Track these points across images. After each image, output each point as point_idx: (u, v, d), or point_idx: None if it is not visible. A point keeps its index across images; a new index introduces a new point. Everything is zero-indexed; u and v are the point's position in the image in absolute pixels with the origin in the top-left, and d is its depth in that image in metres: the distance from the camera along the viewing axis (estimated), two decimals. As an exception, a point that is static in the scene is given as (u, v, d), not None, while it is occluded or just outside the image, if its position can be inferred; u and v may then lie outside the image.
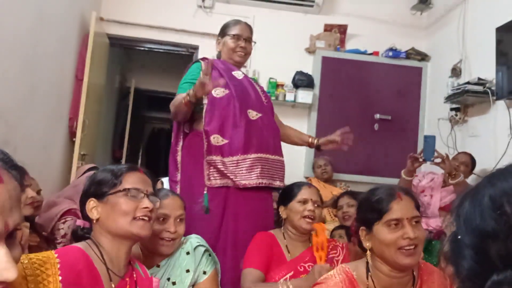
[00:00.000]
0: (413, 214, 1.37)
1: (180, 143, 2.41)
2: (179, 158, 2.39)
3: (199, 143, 2.26)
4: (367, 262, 1.42)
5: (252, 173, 2.20)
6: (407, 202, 1.38)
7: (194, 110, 2.31)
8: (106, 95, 4.89)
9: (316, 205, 2.00)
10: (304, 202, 1.99)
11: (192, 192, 2.21)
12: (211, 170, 2.20)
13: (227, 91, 2.29)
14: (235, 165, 2.19)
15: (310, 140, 2.56)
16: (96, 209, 1.32)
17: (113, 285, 1.26)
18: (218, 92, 2.29)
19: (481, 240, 0.58)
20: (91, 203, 1.33)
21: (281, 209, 2.05)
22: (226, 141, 2.21)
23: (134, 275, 1.35)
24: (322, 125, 4.26)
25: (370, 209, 1.40)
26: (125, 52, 6.08)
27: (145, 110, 7.52)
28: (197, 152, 2.26)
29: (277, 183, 2.25)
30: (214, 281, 1.76)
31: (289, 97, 4.26)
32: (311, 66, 4.39)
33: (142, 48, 4.76)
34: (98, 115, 4.35)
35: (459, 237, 0.62)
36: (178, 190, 2.27)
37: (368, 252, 1.40)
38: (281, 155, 2.35)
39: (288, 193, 2.06)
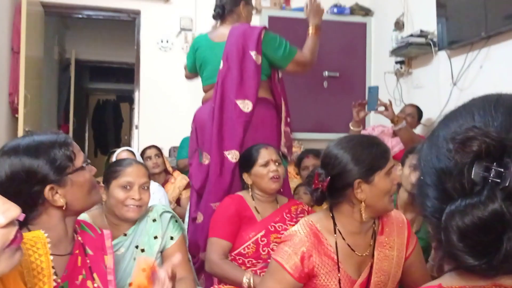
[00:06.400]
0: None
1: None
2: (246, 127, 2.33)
3: (269, 112, 2.39)
4: (332, 215, 1.43)
5: None
6: (389, 149, 1.43)
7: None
8: (46, 67, 4.65)
9: (277, 163, 2.02)
10: (266, 164, 2.00)
11: None
12: (284, 141, 2.40)
13: None
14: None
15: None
16: None
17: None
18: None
19: (438, 178, 0.61)
20: None
21: (245, 176, 2.05)
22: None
23: (81, 241, 1.32)
24: (273, 85, 4.26)
25: (376, 157, 1.35)
26: (62, 21, 5.77)
27: (88, 81, 7.24)
28: (269, 120, 2.39)
29: None
30: (182, 246, 1.78)
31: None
32: (257, 27, 4.34)
33: (80, 16, 4.53)
34: (39, 89, 4.14)
35: (421, 177, 0.66)
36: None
37: (363, 204, 1.35)
38: None
39: (248, 159, 2.06)
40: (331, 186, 1.37)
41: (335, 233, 1.41)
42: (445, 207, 0.58)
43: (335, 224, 1.42)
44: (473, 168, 0.55)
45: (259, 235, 1.92)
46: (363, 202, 1.35)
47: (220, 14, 2.53)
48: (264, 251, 1.91)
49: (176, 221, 1.80)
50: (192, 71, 2.72)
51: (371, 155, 1.35)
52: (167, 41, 4.23)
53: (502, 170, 0.53)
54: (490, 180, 0.53)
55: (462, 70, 3.19)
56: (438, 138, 0.64)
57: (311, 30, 2.53)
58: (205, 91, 2.57)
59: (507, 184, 0.52)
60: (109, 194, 1.69)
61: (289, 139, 2.50)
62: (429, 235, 1.63)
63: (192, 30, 4.20)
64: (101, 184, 1.73)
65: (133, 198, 1.66)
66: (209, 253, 1.91)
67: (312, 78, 4.36)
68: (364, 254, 1.42)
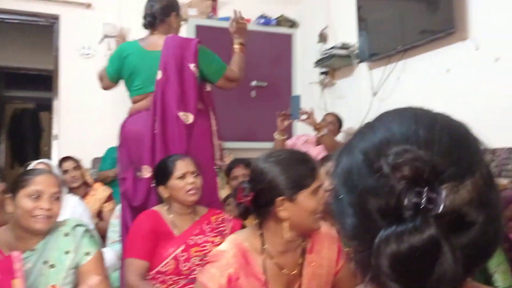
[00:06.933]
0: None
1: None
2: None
3: (205, 122, 2.43)
4: (261, 233, 1.36)
5: None
6: (319, 167, 1.36)
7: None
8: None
9: (194, 175, 1.97)
10: (183, 176, 1.94)
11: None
12: (219, 153, 2.44)
13: None
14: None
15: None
16: None
17: None
18: None
19: (361, 197, 0.57)
20: None
21: (161, 189, 1.98)
22: None
23: None
24: (200, 94, 4.22)
25: (301, 176, 1.30)
26: (-29, 24, 5.36)
27: (3, 89, 6.78)
28: (206, 130, 2.43)
29: None
30: (99, 263, 1.68)
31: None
32: (184, 35, 4.29)
33: (-8, 19, 4.23)
34: None
35: (340, 196, 0.61)
36: None
37: (284, 223, 1.30)
38: None
39: (163, 171, 1.98)
40: (256, 201, 1.32)
41: (263, 252, 1.35)
42: (370, 230, 0.55)
43: (263, 243, 1.36)
44: (405, 194, 0.52)
45: (178, 251, 1.86)
46: (285, 221, 1.29)
47: (151, 23, 2.49)
48: (185, 266, 1.85)
49: (92, 236, 1.71)
50: (114, 80, 2.59)
51: (297, 172, 1.29)
52: (89, 48, 4.06)
53: (434, 195, 0.51)
54: (422, 206, 0.51)
55: (382, 82, 3.34)
56: (356, 152, 0.60)
57: (237, 47, 2.62)
58: (136, 101, 2.46)
59: (439, 210, 0.51)
60: (16, 204, 1.57)
61: (221, 152, 2.54)
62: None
63: (116, 37, 4.06)
64: (7, 195, 1.61)
65: (42, 208, 1.56)
66: (127, 275, 1.83)
67: (240, 88, 4.34)
68: (292, 273, 1.37)
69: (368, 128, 0.63)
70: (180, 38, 2.46)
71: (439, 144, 0.55)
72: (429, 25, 2.90)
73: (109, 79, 2.59)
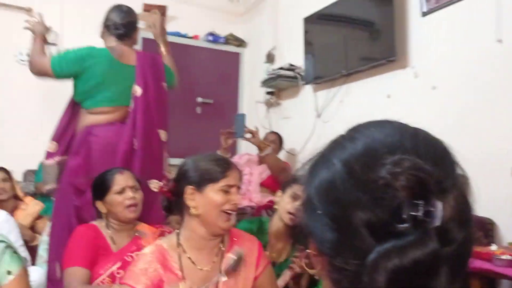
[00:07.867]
0: (239, 183, 1.47)
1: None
2: None
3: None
4: (179, 231, 1.46)
5: None
6: (238, 172, 1.47)
7: None
8: None
9: (134, 189, 1.90)
10: (122, 191, 1.86)
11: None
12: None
13: None
14: None
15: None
16: None
17: None
18: None
19: (345, 211, 0.52)
20: None
21: (99, 204, 1.88)
22: None
23: None
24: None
25: (211, 171, 1.42)
26: None
27: None
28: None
29: None
30: (23, 282, 1.55)
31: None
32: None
33: None
34: None
35: (318, 210, 0.56)
36: None
37: (192, 210, 1.41)
38: None
39: (101, 186, 1.89)
40: (174, 192, 1.46)
41: (178, 247, 1.43)
42: (355, 244, 0.51)
43: (178, 242, 1.45)
44: (404, 206, 0.48)
45: (114, 268, 1.77)
46: (193, 209, 1.40)
47: (123, 35, 2.45)
48: (121, 284, 1.77)
49: (15, 252, 1.57)
50: (60, 78, 2.37)
51: (209, 166, 1.42)
52: (26, 54, 3.85)
53: (431, 208, 0.48)
54: (420, 220, 0.48)
55: (325, 104, 3.42)
56: (335, 163, 0.55)
57: (165, 50, 2.68)
58: (102, 112, 2.34)
59: (438, 224, 0.48)
60: None
61: (167, 165, 2.58)
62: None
63: (57, 45, 3.90)
64: None
65: None
66: (69, 285, 1.70)
67: (185, 104, 4.31)
68: (206, 269, 1.44)
69: (345, 138, 0.58)
70: (151, 56, 2.52)
71: (426, 156, 0.52)
72: (371, 52, 3.01)
73: (54, 75, 2.35)
